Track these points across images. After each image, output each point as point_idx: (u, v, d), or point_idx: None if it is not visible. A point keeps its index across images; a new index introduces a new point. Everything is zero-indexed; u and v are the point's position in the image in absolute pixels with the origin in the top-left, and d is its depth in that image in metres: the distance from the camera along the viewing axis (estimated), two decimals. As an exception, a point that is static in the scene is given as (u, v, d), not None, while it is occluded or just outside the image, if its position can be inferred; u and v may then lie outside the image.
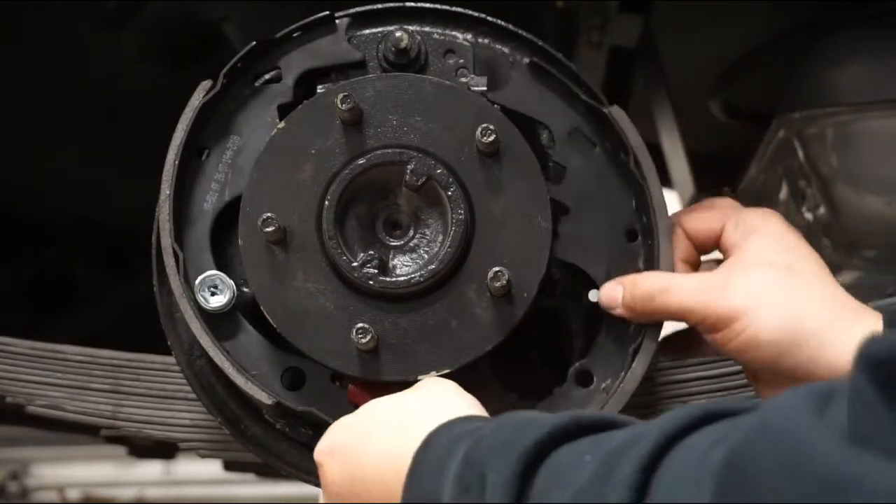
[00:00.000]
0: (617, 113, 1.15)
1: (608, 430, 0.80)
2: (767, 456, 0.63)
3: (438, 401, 0.99)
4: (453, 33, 1.21)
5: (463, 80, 1.17)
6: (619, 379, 1.14)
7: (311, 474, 1.19)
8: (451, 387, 1.04)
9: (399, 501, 0.90)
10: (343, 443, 1.01)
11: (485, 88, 1.16)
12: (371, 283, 1.10)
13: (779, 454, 0.62)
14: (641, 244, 1.15)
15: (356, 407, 1.08)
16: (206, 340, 1.12)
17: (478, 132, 1.10)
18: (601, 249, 1.15)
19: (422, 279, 1.10)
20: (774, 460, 0.62)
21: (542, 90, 1.18)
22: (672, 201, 2.13)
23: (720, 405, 0.75)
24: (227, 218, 1.16)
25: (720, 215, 1.16)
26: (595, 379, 1.15)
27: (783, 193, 1.83)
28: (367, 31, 1.20)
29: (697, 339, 1.16)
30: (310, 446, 1.18)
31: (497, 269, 1.09)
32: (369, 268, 1.10)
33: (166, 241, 1.13)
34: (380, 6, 1.21)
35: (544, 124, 1.17)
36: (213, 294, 1.14)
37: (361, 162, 1.12)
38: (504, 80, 1.19)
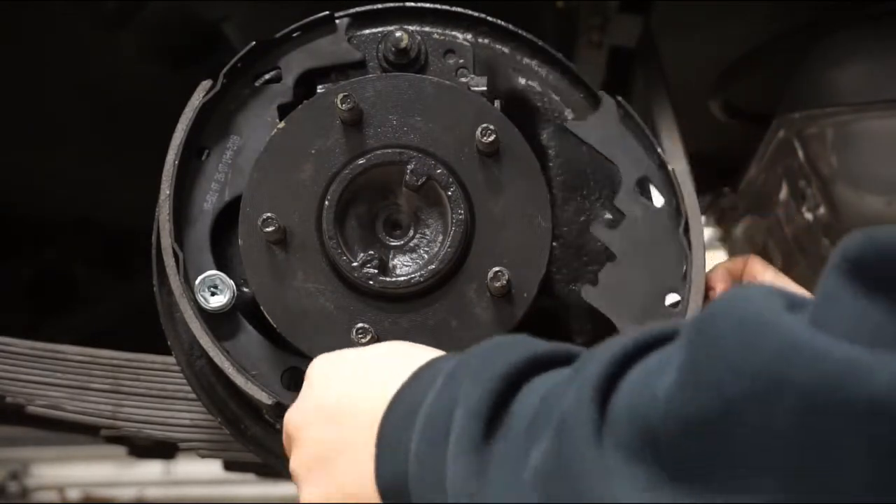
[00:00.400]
0: (680, 173, 1.14)
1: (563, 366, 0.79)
2: (727, 326, 0.62)
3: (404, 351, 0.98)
4: (453, 33, 1.21)
5: (463, 80, 1.17)
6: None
7: (311, 474, 1.19)
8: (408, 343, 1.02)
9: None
10: (339, 361, 0.99)
11: (485, 88, 1.16)
12: (371, 283, 1.10)
13: (739, 322, 0.62)
14: (680, 311, 1.13)
15: None
16: (206, 340, 1.12)
17: (478, 132, 1.10)
18: (635, 307, 1.13)
19: (422, 279, 1.10)
20: (734, 330, 0.62)
21: (624, 133, 1.17)
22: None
23: (659, 329, 0.72)
24: (227, 218, 1.16)
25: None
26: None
27: (783, 193, 1.83)
28: (367, 31, 1.20)
29: None
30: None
31: (497, 269, 1.09)
32: (369, 268, 1.10)
33: (166, 241, 1.13)
34: (380, 6, 1.21)
35: (615, 166, 1.16)
36: (213, 294, 1.14)
37: (361, 162, 1.12)
38: (505, 80, 1.19)
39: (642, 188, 1.16)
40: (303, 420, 0.98)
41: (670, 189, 1.15)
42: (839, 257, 0.61)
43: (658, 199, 1.16)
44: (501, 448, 0.76)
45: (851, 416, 0.56)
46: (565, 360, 0.79)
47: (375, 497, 0.88)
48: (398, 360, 0.93)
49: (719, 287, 1.17)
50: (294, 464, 0.98)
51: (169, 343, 1.20)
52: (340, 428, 0.94)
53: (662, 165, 1.16)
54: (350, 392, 0.95)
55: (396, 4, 1.21)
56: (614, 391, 0.69)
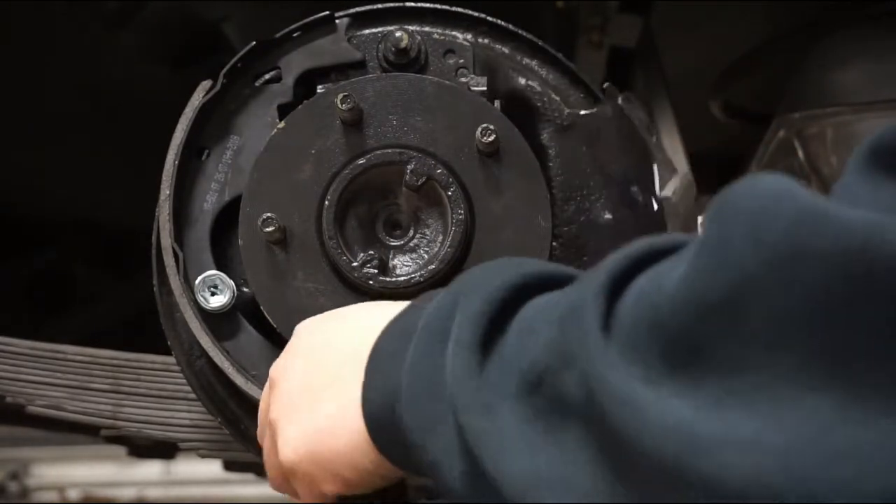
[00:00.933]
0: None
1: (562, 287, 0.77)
2: (744, 201, 0.60)
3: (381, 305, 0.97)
4: (453, 33, 1.21)
5: (463, 80, 1.18)
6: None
7: (311, 474, 1.19)
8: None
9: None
10: (320, 320, 0.99)
11: (485, 88, 1.16)
12: (371, 283, 1.10)
13: (756, 196, 0.60)
14: None
15: None
16: (206, 340, 1.12)
17: (478, 132, 1.10)
18: None
19: (422, 279, 1.10)
20: (750, 203, 0.60)
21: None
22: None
23: (672, 237, 0.71)
24: (227, 218, 1.16)
25: None
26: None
27: (783, 193, 1.83)
28: (367, 31, 1.20)
29: None
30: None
31: (497, 269, 1.09)
32: (369, 268, 1.10)
33: (166, 240, 1.13)
34: (380, 6, 1.21)
35: None
36: (213, 294, 1.14)
37: (361, 162, 1.12)
38: (505, 80, 1.19)
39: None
40: (285, 364, 0.96)
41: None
42: (864, 146, 0.60)
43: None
44: (504, 344, 0.74)
45: (877, 280, 0.54)
46: (569, 279, 0.77)
47: (358, 428, 0.85)
48: (389, 307, 0.92)
49: None
50: (273, 409, 0.95)
51: (169, 343, 1.20)
52: (326, 364, 0.91)
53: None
54: (338, 332, 0.93)
55: (396, 4, 1.21)
56: (623, 291, 0.67)
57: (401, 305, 0.91)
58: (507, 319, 0.77)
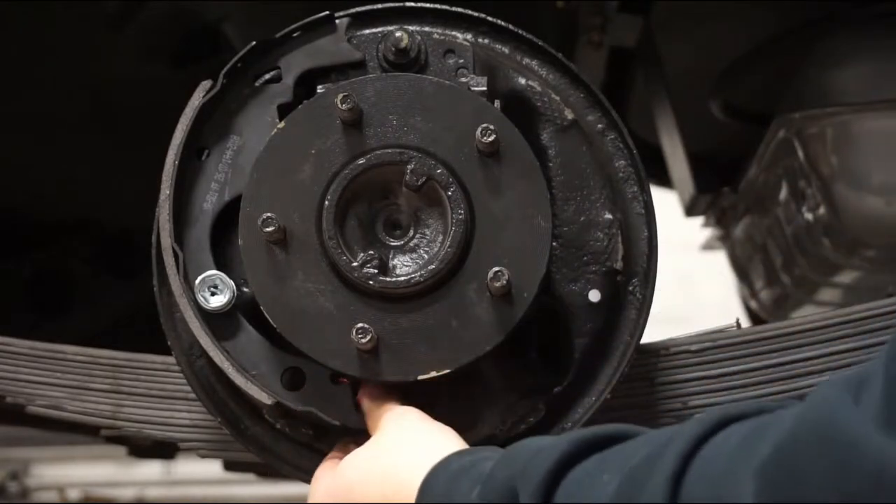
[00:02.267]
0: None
1: (615, 445, 0.81)
2: (815, 454, 0.63)
3: (412, 441, 1.02)
4: (453, 33, 1.21)
5: (463, 80, 1.17)
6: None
7: (310, 474, 1.19)
8: (415, 417, 1.06)
9: None
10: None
11: (485, 88, 1.16)
12: (371, 283, 1.10)
13: (828, 452, 0.63)
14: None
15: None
16: (206, 340, 1.12)
17: (478, 132, 1.10)
18: None
19: (422, 279, 1.10)
20: (824, 459, 0.63)
21: None
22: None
23: (741, 407, 0.75)
24: (227, 218, 1.16)
25: None
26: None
27: (783, 193, 1.83)
28: (367, 31, 1.20)
29: None
30: (310, 446, 1.18)
31: (497, 269, 1.09)
32: (369, 268, 1.10)
33: (166, 240, 1.13)
34: (380, 6, 1.21)
35: None
36: (213, 294, 1.14)
37: (361, 162, 1.12)
38: (505, 80, 1.19)
39: None
40: None
41: None
42: None
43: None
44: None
45: None
46: (622, 437, 0.82)
47: None
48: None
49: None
50: None
51: (169, 343, 1.20)
52: None
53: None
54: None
55: (396, 4, 1.21)
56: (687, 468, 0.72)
57: (399, 484, 0.97)
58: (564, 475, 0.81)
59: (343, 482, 1.04)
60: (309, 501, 1.08)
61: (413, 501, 0.93)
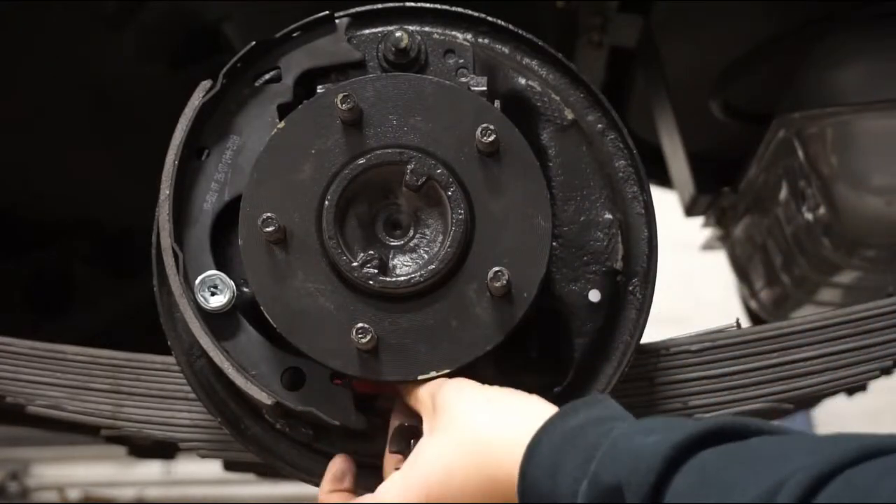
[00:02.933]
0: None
1: (725, 440, 0.82)
2: None
3: (495, 412, 1.01)
4: (453, 33, 1.21)
5: (463, 80, 1.17)
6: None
7: (310, 474, 1.19)
8: (476, 386, 1.05)
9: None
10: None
11: (485, 88, 1.16)
12: (371, 282, 1.10)
13: None
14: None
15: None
16: (206, 340, 1.12)
17: (478, 132, 1.10)
18: None
19: (422, 279, 1.10)
20: None
21: None
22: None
23: (881, 442, 0.76)
24: (227, 218, 1.16)
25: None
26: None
27: (783, 193, 1.83)
28: (367, 31, 1.20)
29: None
30: (309, 446, 1.18)
31: (497, 269, 1.09)
32: (369, 268, 1.10)
33: (166, 240, 1.13)
34: (380, 6, 1.21)
35: None
36: (213, 294, 1.14)
37: (361, 162, 1.12)
38: (505, 80, 1.19)
39: None
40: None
41: None
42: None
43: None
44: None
45: None
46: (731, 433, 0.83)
47: None
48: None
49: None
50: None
51: (169, 343, 1.20)
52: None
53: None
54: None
55: (396, 4, 1.21)
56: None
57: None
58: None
59: (430, 476, 0.99)
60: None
61: (516, 479, 0.92)
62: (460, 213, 1.10)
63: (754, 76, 1.81)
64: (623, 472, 0.83)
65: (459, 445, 0.99)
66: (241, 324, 1.14)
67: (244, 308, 1.15)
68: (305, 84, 1.18)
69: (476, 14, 1.22)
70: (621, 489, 0.82)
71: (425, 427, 1.05)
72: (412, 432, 1.10)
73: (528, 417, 0.95)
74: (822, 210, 1.69)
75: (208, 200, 1.17)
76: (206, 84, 1.17)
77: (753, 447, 0.81)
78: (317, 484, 1.19)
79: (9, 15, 1.72)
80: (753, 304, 2.24)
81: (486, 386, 1.05)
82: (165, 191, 1.14)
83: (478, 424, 0.99)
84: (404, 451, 1.10)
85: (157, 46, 1.84)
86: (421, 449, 1.02)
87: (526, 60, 1.23)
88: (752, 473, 0.77)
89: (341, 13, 1.20)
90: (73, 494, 3.70)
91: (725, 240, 2.29)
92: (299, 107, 1.15)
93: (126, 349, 1.36)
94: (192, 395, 1.22)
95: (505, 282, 1.08)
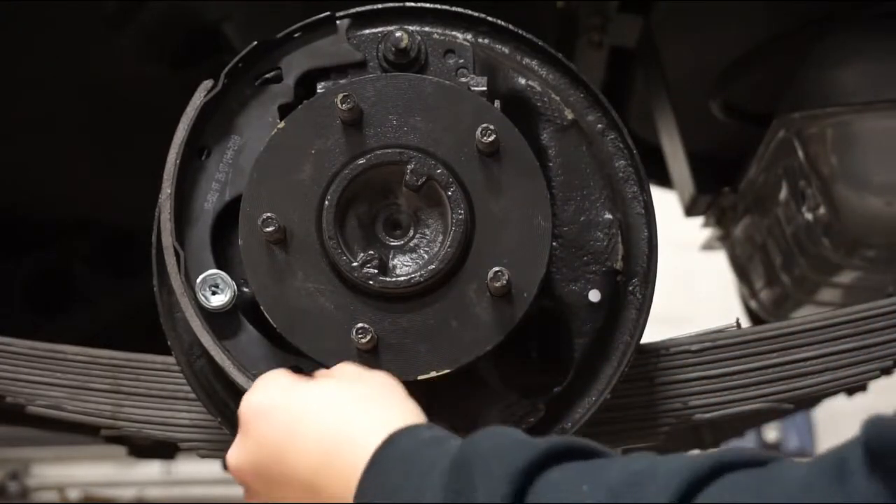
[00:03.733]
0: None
1: (593, 458, 0.82)
2: None
3: (381, 398, 1.01)
4: (453, 33, 1.21)
5: (463, 80, 1.17)
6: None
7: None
8: (398, 388, 1.05)
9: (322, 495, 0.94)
10: (273, 408, 1.03)
11: (485, 88, 1.16)
12: (371, 282, 1.10)
13: None
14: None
15: None
16: (206, 339, 1.12)
17: (478, 132, 1.10)
18: None
19: (422, 279, 1.10)
20: None
21: None
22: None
23: (736, 454, 0.77)
24: (228, 217, 1.16)
25: None
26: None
27: (783, 193, 1.83)
28: (367, 32, 1.20)
29: None
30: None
31: (497, 269, 1.09)
32: (369, 268, 1.10)
33: (167, 240, 1.13)
34: (380, 6, 1.21)
35: None
36: (213, 293, 1.14)
37: (361, 162, 1.12)
38: (505, 80, 1.19)
39: None
40: (239, 473, 1.05)
41: None
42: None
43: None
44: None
45: None
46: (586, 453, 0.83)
47: None
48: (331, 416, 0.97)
49: None
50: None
51: (169, 343, 1.20)
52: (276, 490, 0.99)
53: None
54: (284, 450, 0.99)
55: (396, 4, 1.21)
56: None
57: (351, 425, 0.96)
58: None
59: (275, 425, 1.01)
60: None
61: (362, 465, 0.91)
62: (460, 213, 1.11)
63: (754, 76, 1.81)
64: (483, 465, 0.83)
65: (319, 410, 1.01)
66: (241, 323, 1.15)
67: (245, 308, 1.15)
68: (306, 84, 1.19)
69: (476, 14, 1.22)
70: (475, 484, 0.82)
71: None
72: None
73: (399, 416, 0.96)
74: (822, 210, 1.69)
75: (209, 200, 1.17)
76: (207, 84, 1.17)
77: (615, 462, 0.82)
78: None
79: (9, 15, 1.72)
80: (753, 304, 2.23)
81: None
82: (167, 190, 1.14)
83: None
84: None
85: (158, 46, 1.84)
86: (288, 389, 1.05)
87: (526, 60, 1.23)
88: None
89: (342, 13, 1.20)
90: (73, 494, 3.70)
91: (725, 240, 2.29)
92: (299, 107, 1.15)
93: (126, 349, 1.36)
94: (192, 395, 1.22)
95: (505, 282, 1.08)
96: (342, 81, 1.16)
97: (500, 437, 0.87)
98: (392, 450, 0.91)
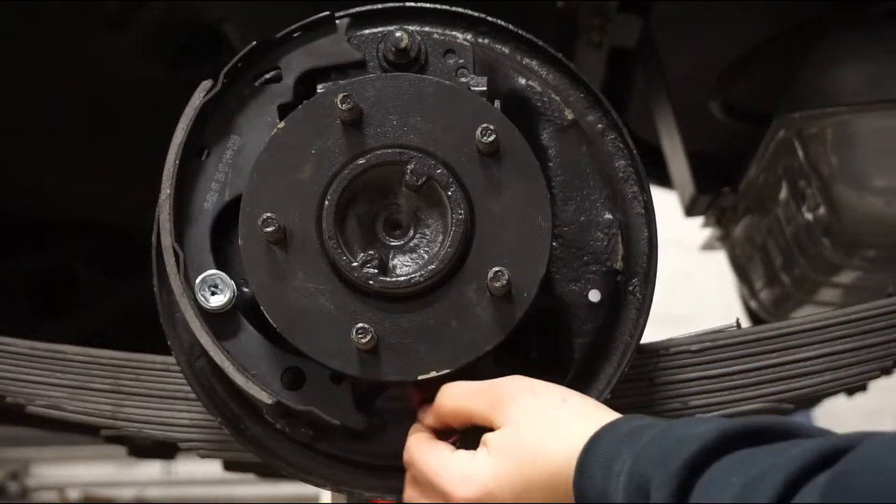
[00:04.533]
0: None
1: (761, 439, 0.84)
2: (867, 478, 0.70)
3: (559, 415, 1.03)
4: (453, 33, 1.21)
5: (463, 80, 1.17)
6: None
7: (310, 474, 1.19)
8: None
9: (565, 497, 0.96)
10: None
11: (485, 88, 1.16)
12: (371, 283, 1.10)
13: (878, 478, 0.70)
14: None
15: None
16: (206, 340, 1.12)
17: (478, 132, 1.10)
18: None
19: (422, 279, 1.10)
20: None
21: None
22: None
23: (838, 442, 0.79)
24: (228, 218, 1.16)
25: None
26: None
27: (783, 193, 1.83)
28: (367, 31, 1.20)
29: None
30: (309, 446, 1.18)
31: (497, 269, 1.09)
32: (369, 268, 1.10)
33: (167, 240, 1.13)
34: (380, 6, 1.21)
35: None
36: (213, 293, 1.14)
37: (361, 162, 1.12)
38: (505, 80, 1.19)
39: None
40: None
41: None
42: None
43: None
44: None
45: None
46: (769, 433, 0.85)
47: None
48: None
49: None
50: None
51: (169, 343, 1.20)
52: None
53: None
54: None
55: (396, 4, 1.21)
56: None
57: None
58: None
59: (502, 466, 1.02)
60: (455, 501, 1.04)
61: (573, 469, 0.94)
62: (460, 213, 1.10)
63: (754, 76, 1.81)
64: (651, 471, 0.86)
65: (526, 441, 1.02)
66: (241, 323, 1.14)
67: (244, 308, 1.15)
68: (306, 84, 1.18)
69: (476, 14, 1.22)
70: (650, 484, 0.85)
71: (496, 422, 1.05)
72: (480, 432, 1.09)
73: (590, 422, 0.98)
74: (822, 210, 1.69)
75: (209, 200, 1.17)
76: (206, 84, 1.17)
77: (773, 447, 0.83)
78: (315, 483, 1.19)
79: (9, 15, 1.72)
80: (753, 304, 2.24)
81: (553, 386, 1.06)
82: (166, 190, 1.14)
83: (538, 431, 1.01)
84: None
85: (158, 46, 1.84)
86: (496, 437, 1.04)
87: (526, 60, 1.23)
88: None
89: (342, 13, 1.20)
90: (73, 494, 3.70)
91: (725, 240, 2.29)
92: (299, 107, 1.15)
93: (126, 349, 1.36)
94: (192, 395, 1.22)
95: (505, 282, 1.08)
96: (342, 81, 1.16)
97: (672, 432, 0.89)
98: (595, 451, 0.94)
